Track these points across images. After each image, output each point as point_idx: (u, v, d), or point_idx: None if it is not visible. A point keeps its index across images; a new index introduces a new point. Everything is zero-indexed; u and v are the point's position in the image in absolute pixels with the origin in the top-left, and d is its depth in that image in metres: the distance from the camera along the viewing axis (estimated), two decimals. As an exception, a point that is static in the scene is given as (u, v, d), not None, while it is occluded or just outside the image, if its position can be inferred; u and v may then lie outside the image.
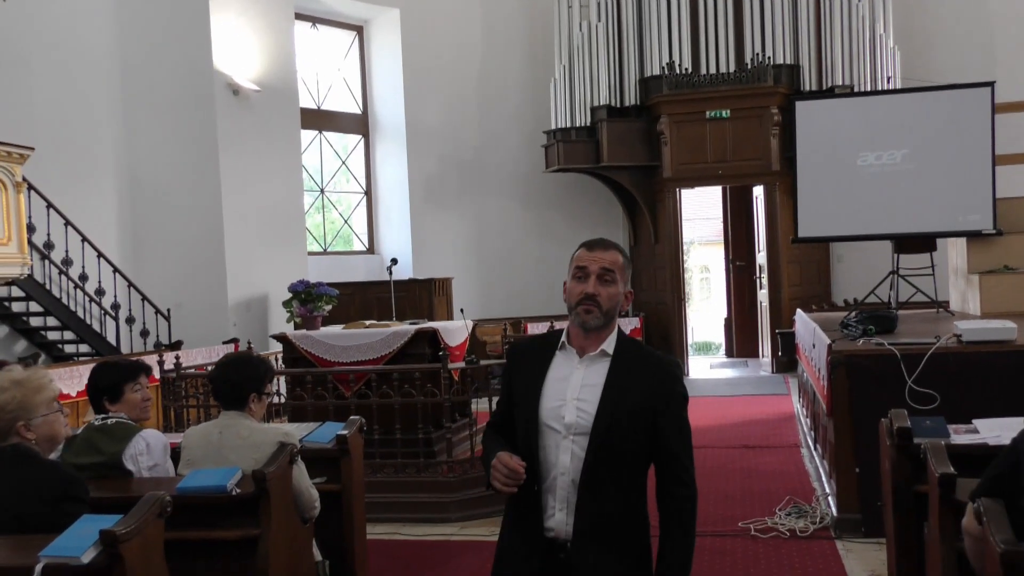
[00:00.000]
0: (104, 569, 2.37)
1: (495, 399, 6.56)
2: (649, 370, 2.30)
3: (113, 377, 3.39)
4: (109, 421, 3.34)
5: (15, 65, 9.07)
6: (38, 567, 2.32)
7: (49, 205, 8.82)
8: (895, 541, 3.23)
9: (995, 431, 3.23)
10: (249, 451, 3.16)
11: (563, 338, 2.35)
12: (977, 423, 3.39)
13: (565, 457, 2.24)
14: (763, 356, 12.40)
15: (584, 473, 2.22)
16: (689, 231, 17.73)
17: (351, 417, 3.84)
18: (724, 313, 13.97)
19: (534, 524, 2.26)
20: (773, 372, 11.70)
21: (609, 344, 2.31)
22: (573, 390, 2.27)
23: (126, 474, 3.27)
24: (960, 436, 3.23)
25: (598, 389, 2.26)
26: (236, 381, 3.28)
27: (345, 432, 3.61)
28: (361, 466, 3.75)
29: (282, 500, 3.10)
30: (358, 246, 12.87)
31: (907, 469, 3.18)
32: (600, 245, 2.35)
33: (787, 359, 11.15)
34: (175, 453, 3.48)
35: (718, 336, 14.72)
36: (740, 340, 13.49)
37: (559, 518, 2.25)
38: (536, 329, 10.29)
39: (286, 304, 7.30)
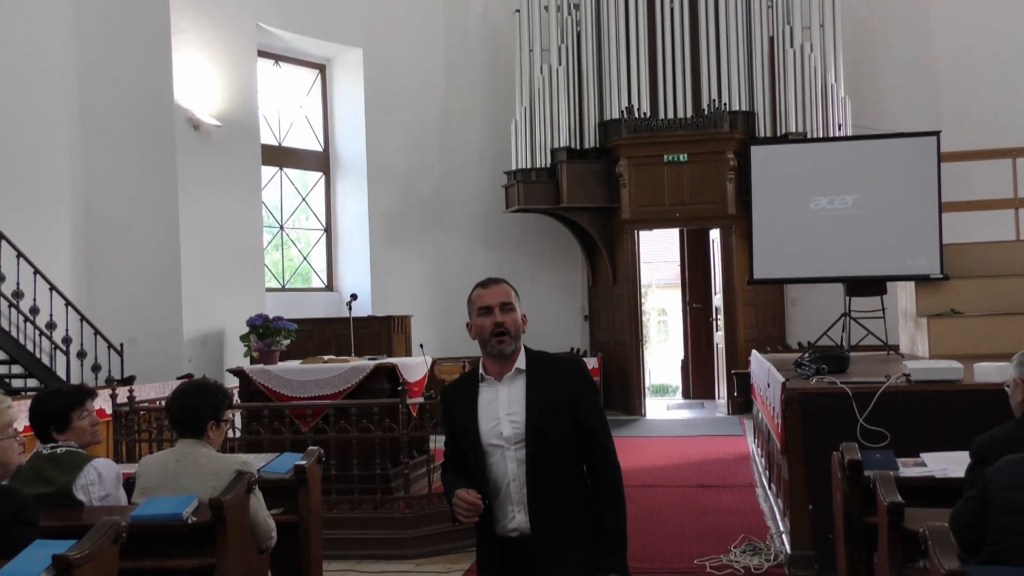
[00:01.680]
0: (56, 596, 2.33)
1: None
2: (559, 371, 2.68)
3: (58, 405, 3.32)
4: (59, 450, 3.28)
5: (-28, 94, 8.99)
6: (-12, 592, 2.28)
7: (1, 236, 8.69)
8: (847, 572, 3.28)
9: (941, 464, 3.32)
10: (206, 479, 3.14)
11: (480, 371, 2.70)
12: (924, 456, 3.48)
13: (512, 466, 2.61)
14: (719, 398, 12.51)
15: (528, 474, 2.58)
16: (647, 274, 17.96)
17: (310, 448, 3.82)
18: (681, 355, 14.10)
19: (490, 532, 2.63)
20: (729, 413, 11.80)
21: (521, 362, 2.69)
22: (503, 408, 2.63)
23: (76, 505, 3.22)
24: (908, 469, 3.31)
25: (522, 401, 2.62)
26: (193, 408, 3.25)
27: (303, 462, 3.60)
28: (319, 497, 3.73)
29: (239, 529, 3.07)
30: (317, 283, 12.83)
31: (858, 501, 3.25)
32: (493, 282, 2.76)
33: (743, 400, 11.28)
34: (128, 484, 3.43)
35: (675, 378, 14.83)
36: (696, 381, 13.61)
37: (520, 519, 2.61)
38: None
39: (243, 338, 7.24)
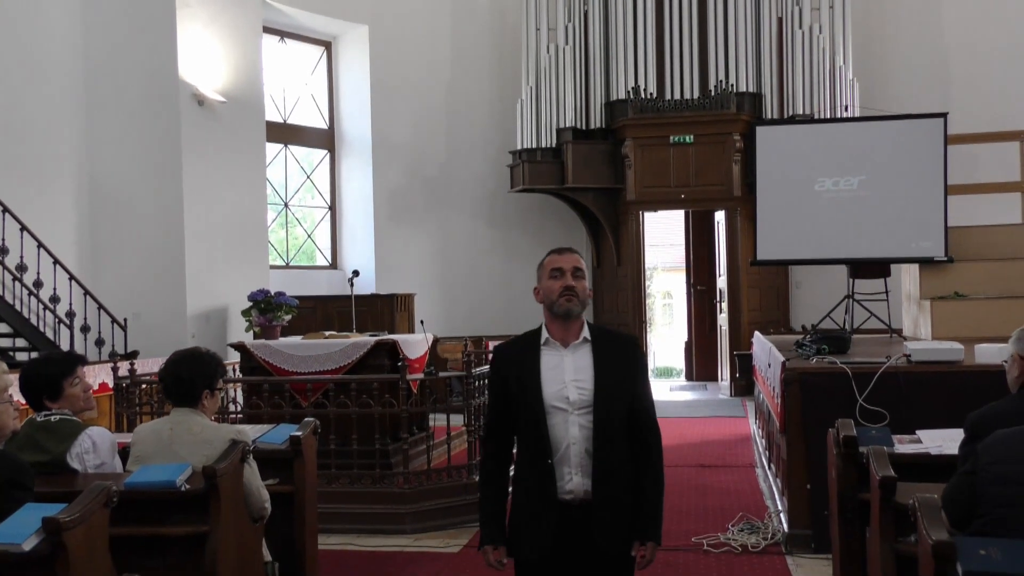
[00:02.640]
0: (46, 558, 2.34)
1: (454, 416, 6.63)
2: (621, 347, 2.82)
3: (49, 373, 3.30)
4: (53, 418, 3.28)
5: (-24, 67, 8.98)
6: (-22, 553, 2.29)
7: (5, 210, 8.70)
8: (840, 548, 3.28)
9: (937, 441, 3.31)
10: (200, 447, 3.14)
11: (544, 335, 2.80)
12: (920, 433, 3.47)
13: (574, 430, 2.69)
14: (722, 380, 12.52)
15: (594, 440, 2.68)
16: (652, 257, 17.90)
17: (305, 419, 3.83)
18: (685, 338, 14.08)
19: (550, 490, 2.68)
20: (731, 395, 11.80)
21: (586, 332, 2.79)
22: (569, 373, 2.73)
23: (71, 473, 3.23)
24: (904, 446, 3.30)
25: (589, 370, 2.73)
26: (187, 378, 3.25)
27: (299, 433, 3.60)
28: (314, 468, 3.74)
29: (232, 498, 3.08)
30: (321, 261, 12.83)
31: (852, 477, 3.24)
32: (567, 250, 2.87)
33: (745, 382, 11.27)
34: (123, 452, 3.44)
35: (679, 362, 14.82)
36: (700, 364, 13.60)
37: (576, 481, 2.69)
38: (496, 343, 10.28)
39: (245, 313, 7.25)
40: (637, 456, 2.77)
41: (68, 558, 2.33)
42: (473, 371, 6.29)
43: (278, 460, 3.61)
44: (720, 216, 12.23)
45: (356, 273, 7.68)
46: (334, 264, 12.79)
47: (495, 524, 2.79)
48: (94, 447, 3.27)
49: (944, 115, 7.61)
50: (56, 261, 9.15)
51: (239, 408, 6.58)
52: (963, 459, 2.50)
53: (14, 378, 3.04)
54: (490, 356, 8.98)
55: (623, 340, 2.87)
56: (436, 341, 10.28)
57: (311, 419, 3.78)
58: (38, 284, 9.02)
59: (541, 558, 2.72)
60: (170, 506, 3.02)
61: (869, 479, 3.04)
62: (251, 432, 3.63)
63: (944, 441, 3.28)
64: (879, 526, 2.67)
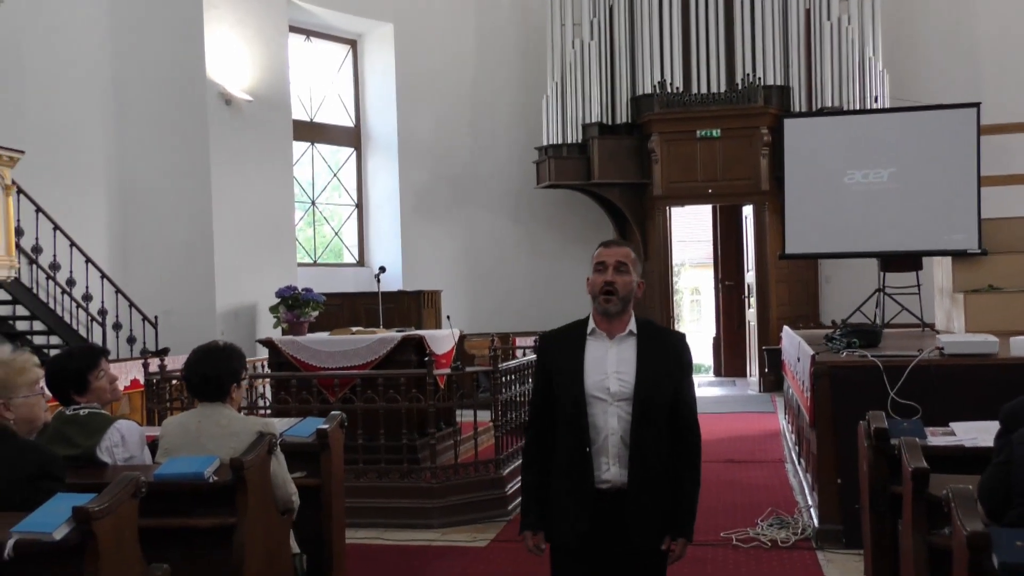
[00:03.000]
0: (76, 547, 2.36)
1: (481, 412, 6.61)
2: (666, 343, 2.84)
3: (74, 368, 3.31)
4: (82, 412, 3.29)
5: (7, 69, 9.09)
6: (9, 543, 2.31)
7: (38, 209, 8.82)
8: (871, 542, 3.24)
9: (971, 433, 3.25)
10: (228, 440, 3.16)
11: (591, 325, 2.82)
12: (954, 426, 3.42)
13: (613, 420, 2.72)
14: (751, 375, 12.42)
15: (632, 432, 2.71)
16: (680, 253, 17.79)
17: (332, 412, 3.84)
18: (713, 334, 13.99)
19: (587, 478, 2.72)
20: (760, 391, 11.71)
21: (632, 325, 2.81)
22: (612, 365, 2.75)
23: (101, 467, 3.25)
24: (937, 438, 3.24)
25: (632, 363, 2.75)
26: (213, 375, 3.26)
27: (326, 427, 3.61)
28: (341, 461, 3.75)
29: (260, 490, 3.09)
30: (348, 259, 12.88)
31: (884, 470, 3.20)
32: (615, 243, 2.86)
33: (774, 377, 11.17)
34: (152, 445, 3.46)
35: (707, 358, 14.72)
36: (728, 359, 13.52)
37: (614, 471, 2.72)
38: (524, 342, 10.28)
39: (273, 309, 7.30)
40: (677, 452, 2.79)
41: (98, 547, 2.35)
42: (500, 366, 6.28)
43: (305, 453, 3.62)
44: (748, 211, 12.14)
45: (383, 269, 7.70)
46: (361, 261, 12.84)
47: (535, 510, 2.82)
48: (123, 440, 3.29)
49: (977, 104, 7.49)
50: (88, 260, 9.25)
51: (267, 403, 6.61)
52: (998, 451, 2.45)
53: (43, 372, 3.07)
54: (518, 351, 8.98)
55: (670, 336, 2.92)
56: (463, 337, 10.28)
57: (338, 412, 3.79)
58: (71, 283, 9.14)
59: (577, 545, 2.75)
60: (198, 498, 3.04)
61: (901, 472, 2.99)
62: (278, 425, 3.64)
63: (978, 433, 3.22)
64: (911, 519, 2.63)
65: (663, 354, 2.80)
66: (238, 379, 3.28)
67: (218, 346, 3.32)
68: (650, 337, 2.82)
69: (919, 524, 2.59)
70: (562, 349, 2.83)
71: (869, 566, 3.41)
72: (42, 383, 2.97)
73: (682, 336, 2.96)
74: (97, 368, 3.31)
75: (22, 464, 2.62)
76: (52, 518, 2.35)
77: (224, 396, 3.27)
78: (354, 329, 7.02)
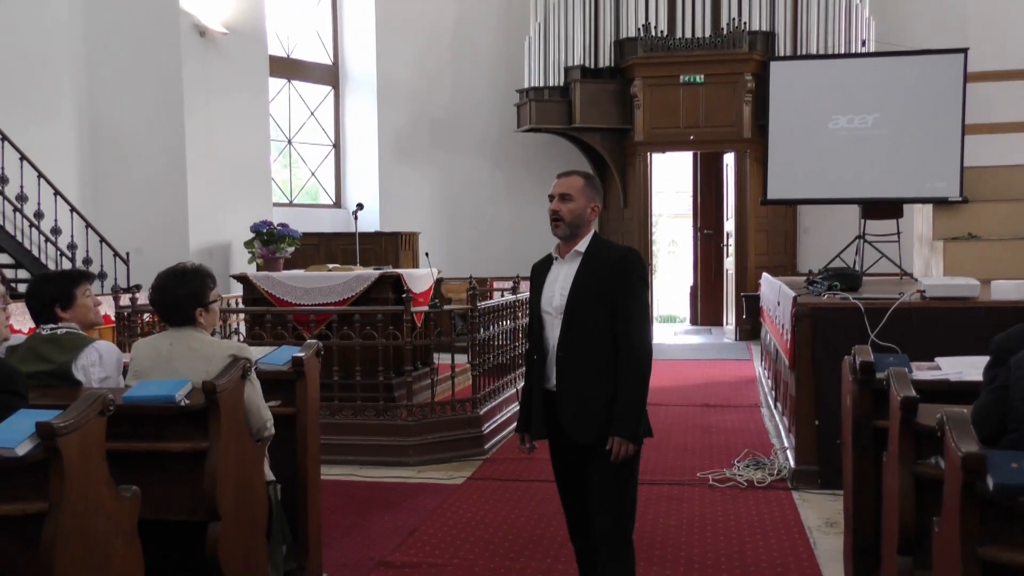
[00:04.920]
0: (40, 464, 2.27)
1: (458, 356, 6.54)
2: (611, 259, 3.04)
3: (62, 283, 3.26)
4: (59, 331, 3.21)
5: (-28, -8, 8.77)
6: (-31, 458, 2.22)
7: (4, 138, 8.56)
8: (852, 476, 3.21)
9: (957, 368, 3.22)
10: (200, 363, 3.06)
11: (554, 251, 3.16)
12: (939, 360, 3.39)
13: (555, 332, 3.04)
14: (727, 324, 12.45)
15: (560, 340, 3.02)
16: (658, 204, 17.67)
17: (308, 340, 3.75)
18: (690, 282, 13.98)
19: (540, 383, 3.11)
20: (737, 339, 11.75)
21: (582, 245, 3.07)
22: (559, 283, 3.07)
23: (74, 385, 3.16)
24: (922, 372, 3.21)
25: (571, 279, 3.03)
26: (173, 300, 3.15)
27: (302, 355, 3.52)
28: (317, 390, 3.66)
29: (233, 414, 3.01)
30: (325, 200, 12.68)
31: (868, 404, 3.16)
32: (564, 175, 3.15)
33: (751, 326, 11.21)
34: (127, 369, 3.36)
35: (683, 310, 14.73)
36: (705, 309, 13.53)
37: (553, 376, 3.05)
38: (503, 286, 10.20)
39: (248, 244, 7.15)
40: (617, 361, 2.97)
41: (63, 465, 2.26)
42: (478, 304, 6.21)
43: (280, 382, 3.53)
44: (729, 158, 12.06)
45: (360, 206, 7.56)
46: (338, 203, 12.65)
47: (523, 413, 3.23)
48: (100, 360, 3.20)
49: (964, 51, 7.40)
50: (57, 192, 9.02)
51: (242, 339, 6.50)
52: (989, 380, 2.41)
53: (4, 288, 2.95)
54: (495, 293, 8.90)
55: (615, 253, 3.07)
56: (440, 280, 10.19)
57: (314, 341, 3.70)
58: (39, 215, 8.91)
59: (548, 438, 3.14)
60: (169, 421, 2.95)
61: (885, 407, 2.96)
62: (254, 353, 3.55)
63: (964, 368, 3.19)
64: (898, 449, 2.59)
65: (604, 270, 3.00)
66: (203, 302, 3.17)
67: (184, 267, 3.20)
68: (594, 256, 3.05)
69: (906, 454, 2.56)
70: (538, 273, 3.19)
71: (849, 503, 3.39)
72: (5, 298, 2.85)
73: (627, 252, 3.08)
74: (85, 284, 3.25)
75: (-19, 378, 2.52)
76: (15, 434, 2.25)
77: (191, 321, 3.16)
78: (331, 266, 6.91)
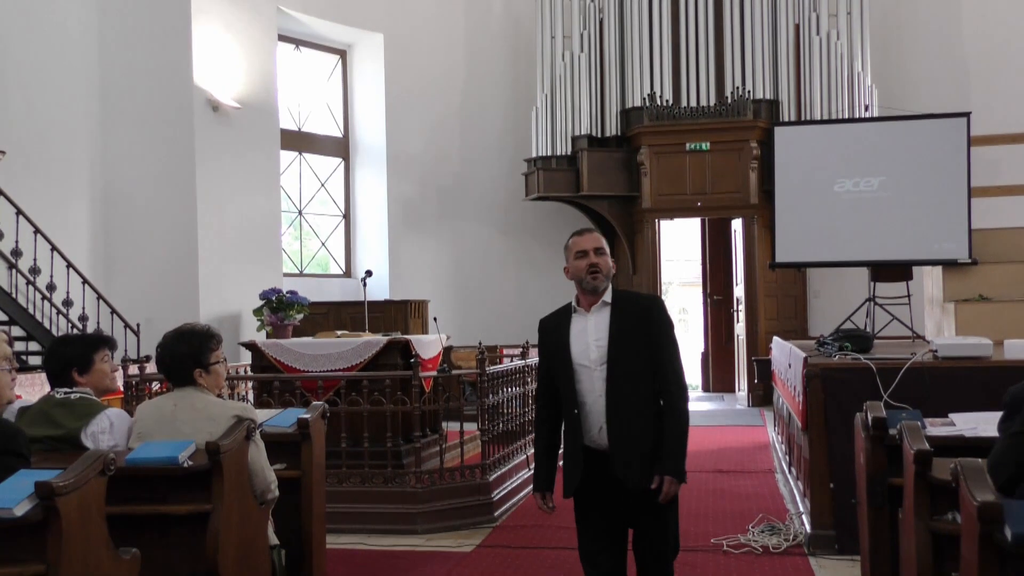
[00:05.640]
0: (39, 524, 2.24)
1: (467, 424, 6.48)
2: (639, 307, 3.16)
3: (81, 347, 3.27)
4: (72, 396, 3.20)
5: (-9, 69, 9.00)
6: (-32, 518, 2.18)
7: (19, 212, 8.67)
8: (868, 535, 3.14)
9: (971, 423, 3.17)
10: (204, 424, 3.04)
11: (573, 304, 3.22)
12: (953, 416, 3.34)
13: (598, 384, 3.09)
14: (739, 390, 12.34)
15: (608, 390, 3.06)
16: (667, 272, 17.73)
17: (314, 403, 3.73)
18: (701, 348, 13.89)
19: (578, 437, 3.12)
20: (749, 405, 11.63)
21: (608, 296, 3.17)
22: (591, 334, 3.13)
23: (82, 451, 3.12)
24: (936, 428, 3.16)
25: (606, 330, 3.10)
26: (171, 358, 3.15)
27: (307, 416, 3.50)
28: (323, 453, 3.63)
29: (236, 476, 2.97)
30: (335, 270, 12.75)
31: (882, 461, 3.11)
32: (587, 231, 3.28)
33: (763, 392, 11.10)
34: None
35: (695, 376, 14.60)
36: (717, 375, 13.42)
37: (601, 429, 3.08)
38: (512, 352, 10.16)
39: (257, 311, 7.17)
40: (661, 404, 3.08)
41: (61, 525, 2.23)
42: (487, 369, 6.18)
43: (286, 444, 3.51)
44: (737, 224, 12.10)
45: (369, 273, 7.58)
46: (348, 273, 12.71)
47: (543, 473, 3.24)
48: (111, 428, 3.18)
49: (967, 115, 7.47)
50: (69, 265, 9.11)
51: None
52: (1004, 432, 2.37)
53: (10, 350, 2.96)
54: (505, 359, 8.86)
55: (643, 301, 3.22)
56: (450, 348, 10.16)
57: (320, 403, 3.67)
58: (51, 287, 8.98)
59: (580, 493, 3.15)
60: (172, 483, 2.92)
61: (899, 463, 2.91)
62: (259, 416, 3.53)
63: (978, 423, 3.14)
64: (913, 504, 2.54)
65: (634, 318, 3.12)
66: (202, 363, 3.16)
67: (189, 327, 3.21)
68: (623, 305, 3.16)
69: (921, 509, 2.50)
70: (554, 329, 3.22)
71: (866, 564, 3.31)
72: (11, 360, 2.85)
73: (655, 299, 3.27)
74: (104, 350, 3.26)
75: (-17, 439, 2.50)
76: (14, 493, 2.23)
77: (190, 381, 3.15)
78: (339, 333, 6.91)
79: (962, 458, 2.05)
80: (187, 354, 3.15)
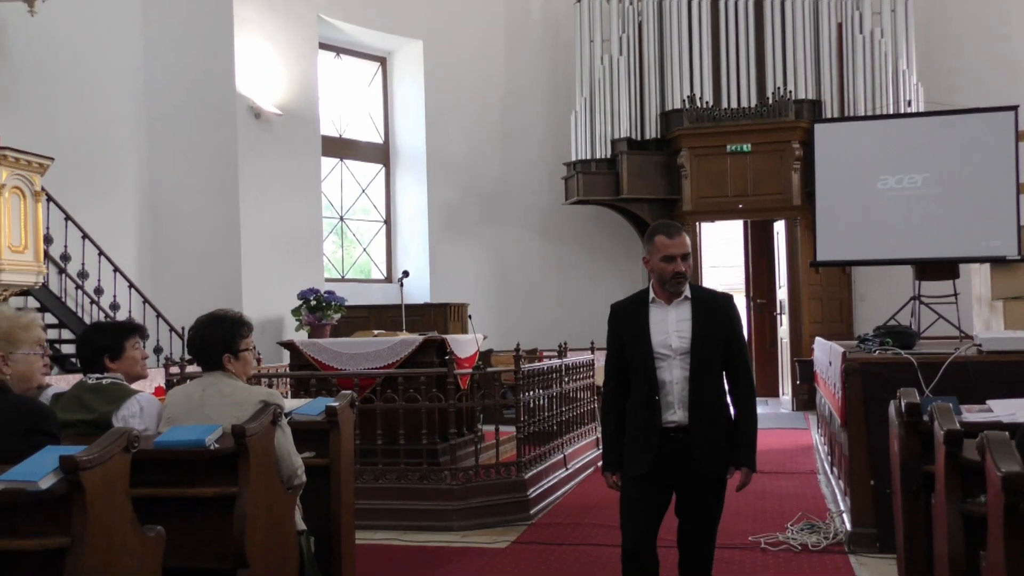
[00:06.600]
0: (63, 498, 2.27)
1: (502, 427, 6.48)
2: (716, 304, 3.38)
3: (113, 334, 3.33)
4: (104, 381, 3.26)
5: (40, 76, 9.21)
6: (-6, 491, 2.23)
7: (67, 217, 8.87)
8: (903, 524, 3.06)
9: (1010, 410, 3.08)
10: (231, 409, 3.07)
11: (651, 295, 3.37)
12: (991, 403, 3.25)
13: (677, 371, 3.28)
14: (783, 394, 12.16)
15: (692, 380, 3.26)
16: (710, 278, 17.55)
17: (343, 392, 3.74)
18: (744, 353, 13.72)
19: (656, 420, 3.28)
20: (794, 410, 11.46)
21: (687, 291, 3.35)
22: (672, 325, 3.32)
23: (112, 435, 3.18)
24: (972, 414, 3.08)
25: (688, 322, 3.30)
26: (202, 342, 3.20)
27: (335, 404, 3.52)
28: (351, 441, 3.64)
29: (263, 460, 2.99)
30: (376, 275, 12.84)
31: (916, 448, 3.04)
32: (676, 233, 3.35)
33: (807, 396, 10.93)
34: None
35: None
36: (761, 379, 13.19)
37: (679, 414, 3.27)
38: (552, 355, 10.11)
39: (295, 311, 7.24)
40: (734, 395, 3.35)
41: (85, 499, 2.26)
42: (524, 367, 6.16)
43: (314, 432, 3.53)
44: (780, 226, 11.95)
45: (406, 274, 7.61)
46: (389, 278, 12.79)
47: (614, 452, 3.40)
48: (141, 412, 3.24)
49: (1015, 108, 7.29)
50: (116, 269, 9.28)
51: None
52: None
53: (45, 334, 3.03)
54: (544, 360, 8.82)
55: (719, 298, 3.43)
56: (489, 352, 10.17)
57: (348, 392, 3.69)
58: (99, 291, 9.16)
59: (648, 474, 3.27)
60: (199, 467, 2.95)
61: (934, 448, 2.83)
62: (289, 405, 3.56)
63: (1017, 409, 3.05)
64: (944, 487, 2.47)
65: (714, 314, 3.33)
66: (231, 348, 3.20)
67: (221, 312, 3.25)
68: (702, 300, 3.36)
69: (952, 492, 2.43)
70: (630, 316, 3.39)
71: (901, 555, 3.23)
72: (44, 345, 2.91)
73: (730, 297, 3.46)
74: (135, 337, 3.32)
75: (15, 418, 2.56)
76: (39, 468, 2.27)
77: (218, 365, 3.19)
78: (376, 332, 6.94)
79: (988, 431, 1.99)
80: (218, 338, 3.20)
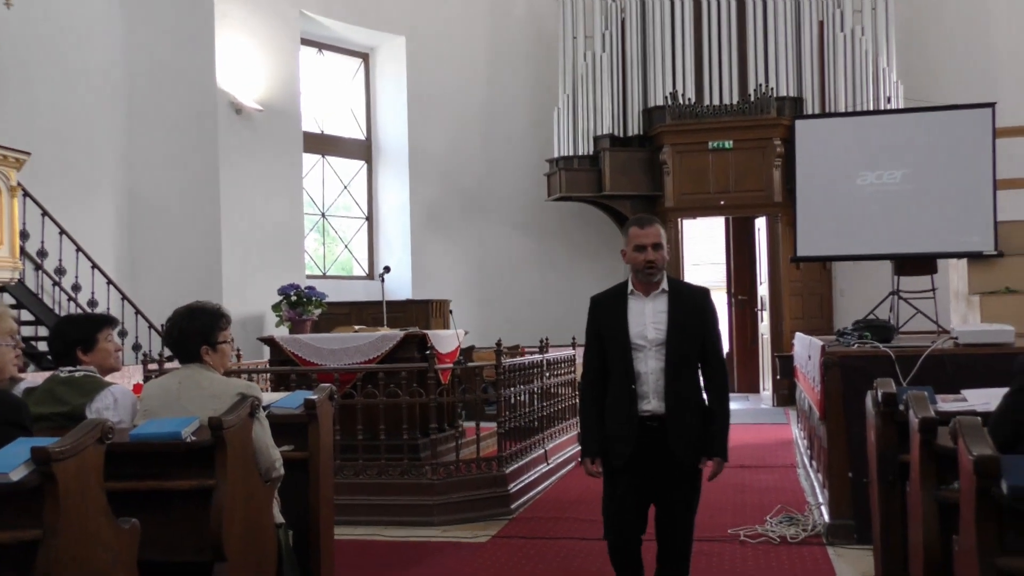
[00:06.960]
0: (36, 490, 2.25)
1: (483, 423, 6.47)
2: (693, 297, 3.47)
3: (85, 327, 3.32)
4: (77, 374, 3.24)
5: (17, 71, 9.12)
6: (-36, 483, 2.20)
7: (44, 213, 8.79)
8: (879, 513, 3.08)
9: (984, 399, 3.11)
10: (208, 401, 3.05)
11: (630, 287, 3.46)
12: (966, 392, 3.28)
13: (652, 362, 3.36)
14: (764, 390, 12.22)
15: (667, 370, 3.34)
16: (692, 274, 17.62)
17: (321, 384, 3.73)
18: (726, 349, 13.79)
19: (632, 409, 3.35)
20: (774, 405, 11.51)
21: (664, 284, 3.45)
22: (648, 317, 3.40)
23: (85, 428, 3.15)
24: (948, 404, 3.10)
25: (665, 314, 3.39)
26: (179, 334, 3.18)
27: (314, 397, 3.50)
28: (330, 433, 3.63)
29: (240, 452, 2.98)
30: (358, 272, 12.81)
31: (892, 437, 3.06)
32: (648, 223, 3.45)
33: (788, 391, 10.97)
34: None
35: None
36: (741, 375, 13.30)
37: (654, 403, 3.35)
38: (533, 351, 10.12)
39: (275, 307, 7.21)
40: (708, 388, 3.43)
41: (58, 491, 2.24)
42: (504, 362, 6.16)
43: (293, 426, 3.51)
44: (761, 223, 12.00)
45: (387, 269, 7.61)
46: (371, 275, 12.76)
47: (593, 440, 3.45)
48: (115, 404, 3.21)
49: (992, 105, 7.34)
50: (94, 265, 9.21)
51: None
52: (1013, 389, 2.31)
53: (17, 326, 3.00)
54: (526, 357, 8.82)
55: (696, 291, 3.52)
56: (471, 348, 10.15)
57: (328, 385, 3.68)
58: (76, 288, 9.08)
59: (626, 465, 3.35)
60: (175, 459, 2.93)
61: (909, 437, 2.85)
62: (267, 399, 3.54)
63: (991, 399, 3.07)
64: (919, 474, 2.49)
65: (690, 307, 3.41)
66: (209, 340, 3.19)
67: (198, 304, 3.23)
68: (679, 293, 3.44)
69: (927, 479, 2.45)
70: (608, 308, 3.45)
71: (878, 545, 3.25)
72: (16, 337, 2.88)
73: (706, 291, 3.52)
74: (108, 329, 3.30)
75: (-15, 409, 2.52)
76: (11, 459, 2.24)
77: (195, 357, 3.18)
78: (356, 327, 6.92)
79: (962, 417, 2.00)
80: (196, 331, 3.18)
